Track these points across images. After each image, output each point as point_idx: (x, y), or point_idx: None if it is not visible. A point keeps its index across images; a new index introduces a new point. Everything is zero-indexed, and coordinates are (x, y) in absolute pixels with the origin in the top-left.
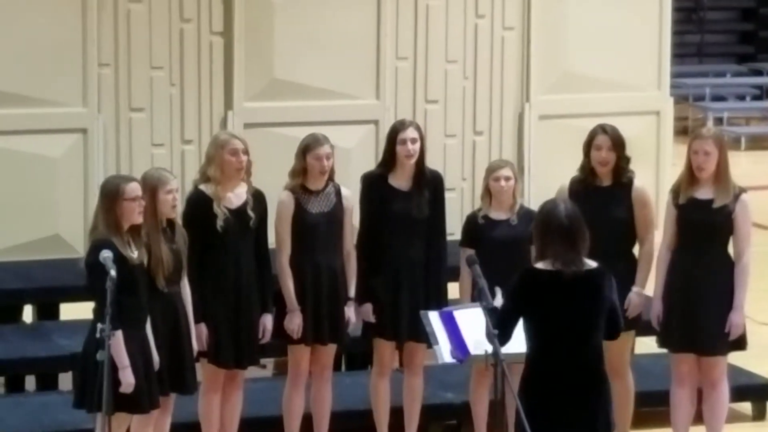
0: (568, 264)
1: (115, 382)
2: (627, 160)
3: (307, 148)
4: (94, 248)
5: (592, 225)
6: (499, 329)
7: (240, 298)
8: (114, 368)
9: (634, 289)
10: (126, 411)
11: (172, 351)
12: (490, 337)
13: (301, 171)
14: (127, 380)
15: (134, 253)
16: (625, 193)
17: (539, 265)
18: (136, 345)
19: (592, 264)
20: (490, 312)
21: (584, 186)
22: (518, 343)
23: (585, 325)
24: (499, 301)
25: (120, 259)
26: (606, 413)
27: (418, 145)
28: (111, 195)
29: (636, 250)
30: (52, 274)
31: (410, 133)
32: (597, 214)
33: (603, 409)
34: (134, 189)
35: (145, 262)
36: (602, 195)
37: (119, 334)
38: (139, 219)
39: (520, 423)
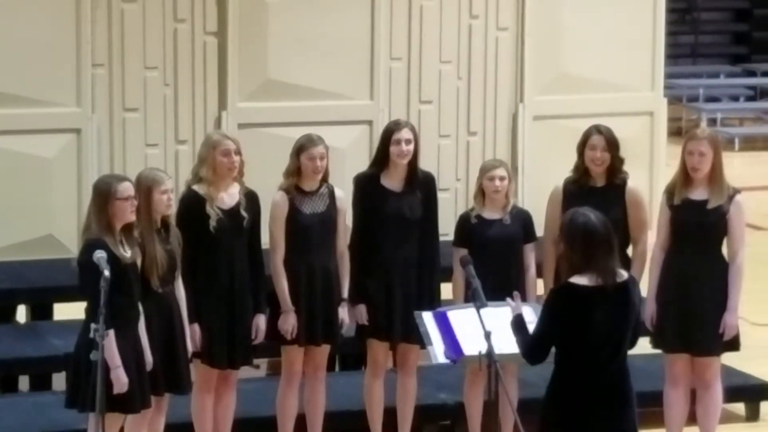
0: (609, 276)
1: (108, 382)
2: (621, 160)
3: (301, 148)
4: (87, 248)
5: None
6: (536, 352)
7: (233, 299)
8: (106, 368)
9: None
10: (118, 411)
11: (166, 351)
12: (486, 336)
13: (295, 171)
14: (120, 380)
15: (127, 253)
16: (619, 193)
17: (577, 280)
18: (128, 345)
19: (624, 274)
20: (516, 326)
21: (578, 186)
22: (512, 343)
23: (619, 336)
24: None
25: (112, 259)
26: (634, 421)
27: (412, 146)
28: (103, 195)
29: (630, 250)
30: (46, 274)
31: (405, 133)
32: None
33: (631, 416)
34: (126, 188)
35: (138, 261)
36: (596, 196)
37: (111, 333)
38: (131, 218)
39: None
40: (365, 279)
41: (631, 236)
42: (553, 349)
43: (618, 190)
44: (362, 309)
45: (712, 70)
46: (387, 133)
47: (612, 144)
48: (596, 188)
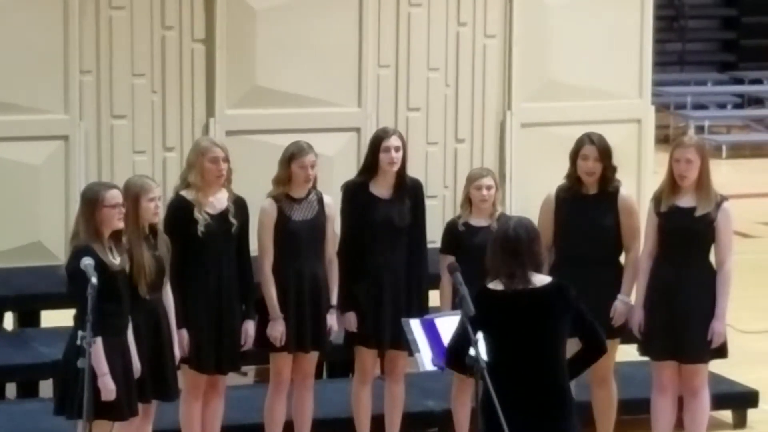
0: (511, 279)
1: (96, 389)
2: (613, 169)
3: (292, 157)
4: (75, 255)
5: (578, 233)
6: (453, 352)
7: (221, 304)
8: (94, 375)
9: (620, 297)
10: (106, 418)
11: (154, 358)
12: (473, 344)
13: (285, 179)
14: (107, 387)
15: (115, 260)
16: (612, 201)
17: (490, 285)
18: (117, 352)
19: (543, 280)
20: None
21: (571, 194)
22: None
23: (538, 344)
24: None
25: (101, 266)
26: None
27: (401, 153)
28: (91, 202)
29: (622, 258)
30: (33, 281)
31: (394, 141)
32: (584, 223)
33: (564, 427)
34: (114, 196)
35: (127, 268)
36: (589, 204)
37: (99, 341)
38: (119, 225)
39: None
40: (354, 286)
41: (624, 244)
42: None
43: (610, 198)
44: (351, 317)
45: (699, 77)
46: (376, 140)
47: (604, 153)
48: (589, 196)
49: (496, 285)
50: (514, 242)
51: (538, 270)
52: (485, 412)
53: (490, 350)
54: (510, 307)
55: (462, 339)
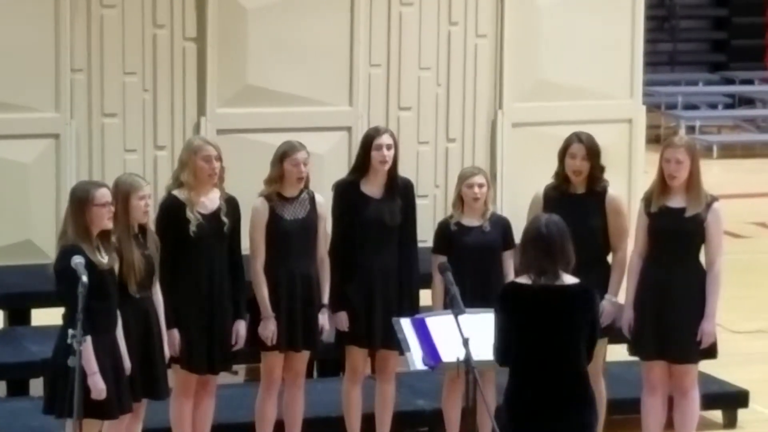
0: (541, 274)
1: (86, 388)
2: (601, 168)
3: (284, 155)
4: (63, 254)
5: None
6: (502, 351)
7: (213, 304)
8: (83, 374)
9: (607, 296)
10: (96, 417)
11: (143, 356)
12: (464, 343)
13: (277, 178)
14: (97, 386)
15: (103, 259)
16: (599, 201)
17: (519, 279)
18: (106, 350)
19: (570, 280)
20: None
21: (559, 193)
22: (489, 350)
23: (563, 338)
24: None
25: (89, 265)
26: (590, 426)
27: (392, 152)
28: (81, 200)
29: (610, 258)
30: (24, 280)
31: (385, 139)
32: (571, 222)
33: (587, 422)
34: (104, 194)
35: (115, 267)
36: (576, 203)
37: (88, 339)
38: (108, 225)
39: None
40: (345, 285)
41: (611, 244)
42: None
43: (598, 197)
44: (343, 316)
45: (690, 77)
46: (367, 139)
47: (592, 152)
48: (576, 195)
49: (525, 280)
50: (546, 240)
51: (567, 269)
52: (508, 407)
53: (515, 343)
54: (538, 301)
55: (506, 337)
